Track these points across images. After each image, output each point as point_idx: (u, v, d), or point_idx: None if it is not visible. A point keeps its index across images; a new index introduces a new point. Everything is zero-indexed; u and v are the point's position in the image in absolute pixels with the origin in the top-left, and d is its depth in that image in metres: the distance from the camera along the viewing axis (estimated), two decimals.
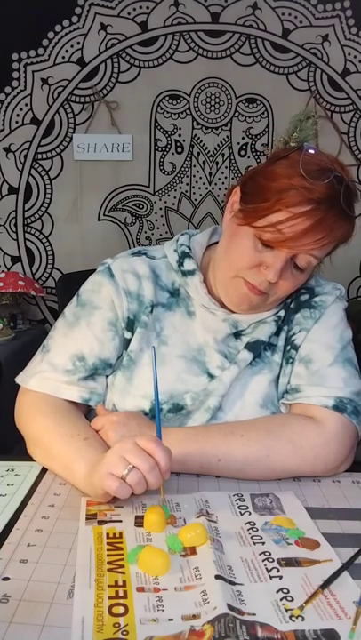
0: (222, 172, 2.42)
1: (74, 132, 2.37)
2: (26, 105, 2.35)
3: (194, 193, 2.44)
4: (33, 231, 2.47)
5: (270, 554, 0.65)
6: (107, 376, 0.96)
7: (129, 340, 0.94)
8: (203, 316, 0.96)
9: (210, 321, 0.96)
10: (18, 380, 0.94)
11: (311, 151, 0.85)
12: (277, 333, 0.97)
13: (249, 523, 0.72)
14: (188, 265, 0.97)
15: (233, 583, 0.59)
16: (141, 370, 0.93)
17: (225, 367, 0.93)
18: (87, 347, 0.92)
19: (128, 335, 0.94)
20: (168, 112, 2.37)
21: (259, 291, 0.88)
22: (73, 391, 0.91)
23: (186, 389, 0.92)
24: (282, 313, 0.97)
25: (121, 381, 0.94)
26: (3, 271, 2.44)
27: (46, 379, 0.91)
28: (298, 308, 0.97)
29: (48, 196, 2.43)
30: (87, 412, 0.95)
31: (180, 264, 0.97)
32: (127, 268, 0.96)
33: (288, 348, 0.96)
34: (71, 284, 1.01)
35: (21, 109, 2.36)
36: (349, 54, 2.31)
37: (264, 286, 0.87)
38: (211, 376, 0.93)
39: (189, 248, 0.99)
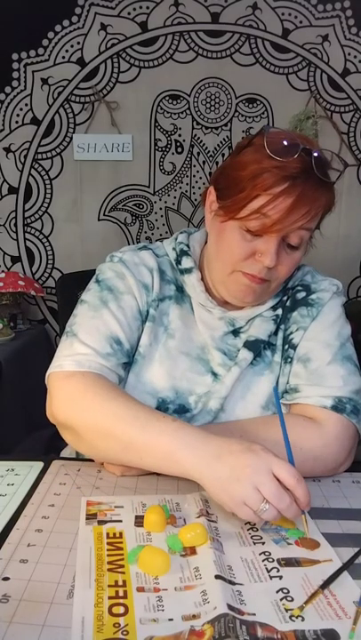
0: None
1: (74, 132, 2.37)
2: (26, 105, 2.36)
3: (194, 193, 2.44)
4: (33, 231, 2.47)
5: (270, 554, 0.65)
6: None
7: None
8: (200, 314, 0.96)
9: (207, 319, 0.96)
10: (50, 370, 0.86)
11: (272, 130, 0.85)
12: (275, 333, 0.97)
13: (249, 523, 0.72)
14: (186, 263, 0.97)
15: (233, 583, 0.59)
16: (150, 366, 0.92)
17: (227, 365, 0.92)
18: (121, 331, 0.88)
19: (142, 328, 0.93)
20: (168, 112, 2.38)
21: (260, 279, 0.87)
22: (108, 376, 0.85)
23: (190, 388, 0.91)
24: (280, 312, 0.97)
25: (131, 377, 0.92)
26: (3, 271, 2.44)
27: (84, 359, 0.84)
28: (294, 306, 0.97)
29: (48, 195, 2.44)
30: None
31: (178, 262, 0.97)
32: (139, 261, 0.96)
33: (286, 347, 0.95)
34: (71, 284, 1.01)
35: (21, 109, 2.36)
36: (349, 54, 2.31)
37: (264, 273, 0.87)
38: (215, 374, 0.93)
39: (188, 246, 0.99)
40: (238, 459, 0.67)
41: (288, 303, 0.98)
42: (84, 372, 0.83)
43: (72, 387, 0.82)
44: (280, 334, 0.97)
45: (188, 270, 0.96)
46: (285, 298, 0.98)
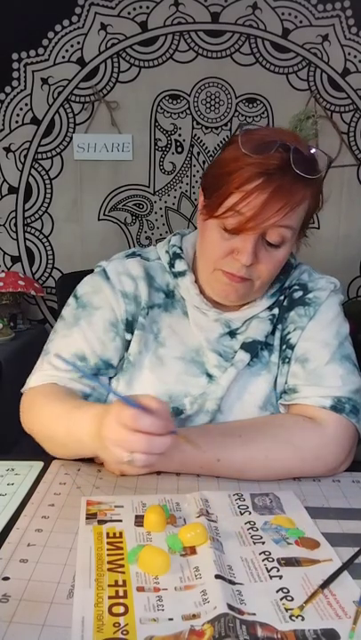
0: None
1: (74, 132, 2.37)
2: (26, 105, 2.35)
3: (194, 193, 2.44)
4: (33, 231, 2.47)
5: (270, 553, 0.65)
6: (110, 377, 0.95)
7: (129, 342, 0.94)
8: (195, 317, 0.96)
9: (202, 321, 0.95)
10: (23, 388, 0.94)
11: (252, 128, 0.85)
12: (273, 332, 0.96)
13: (249, 522, 0.72)
14: (179, 266, 0.96)
15: (233, 583, 0.59)
16: (140, 373, 0.93)
17: (223, 366, 0.92)
18: (88, 347, 0.92)
19: (128, 337, 0.94)
20: (168, 112, 2.37)
21: (239, 278, 0.87)
22: (73, 385, 0.90)
23: (185, 391, 0.91)
24: (276, 311, 0.96)
25: (122, 386, 0.93)
26: (3, 271, 2.44)
27: (47, 375, 0.91)
28: (291, 305, 0.96)
29: (48, 195, 2.44)
30: None
31: (172, 265, 0.97)
32: (122, 270, 0.96)
33: (284, 347, 0.95)
34: (71, 284, 1.00)
35: (21, 109, 2.36)
36: (349, 54, 2.31)
37: (243, 272, 0.86)
38: (210, 376, 0.93)
39: (181, 249, 0.99)
40: (101, 428, 0.69)
41: (285, 303, 0.97)
42: (43, 384, 0.90)
43: (29, 400, 0.91)
44: (277, 334, 0.96)
45: (182, 273, 0.96)
46: (282, 297, 0.98)
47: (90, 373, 0.92)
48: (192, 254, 0.99)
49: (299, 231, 0.88)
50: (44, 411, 0.85)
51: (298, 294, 0.97)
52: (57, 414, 0.82)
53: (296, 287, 0.98)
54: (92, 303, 0.95)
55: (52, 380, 0.90)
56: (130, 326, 0.94)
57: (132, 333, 0.94)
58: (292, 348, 0.93)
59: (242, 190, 0.80)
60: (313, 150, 0.84)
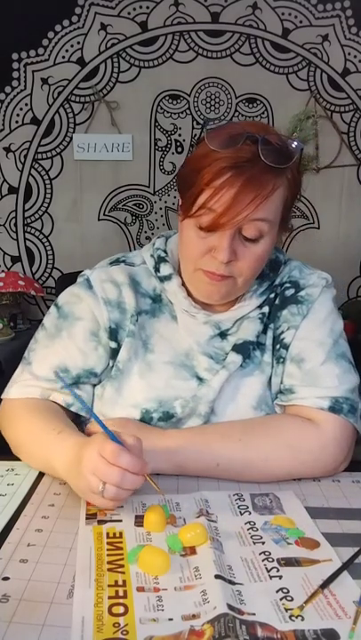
0: None
1: (74, 132, 2.37)
2: (26, 105, 2.36)
3: None
4: (33, 231, 2.47)
5: (270, 553, 0.65)
6: (94, 385, 0.95)
7: (115, 350, 0.92)
8: (184, 320, 0.94)
9: (191, 325, 0.94)
10: (2, 395, 0.93)
11: (220, 124, 0.85)
12: (264, 332, 0.95)
13: (249, 522, 0.72)
14: (165, 270, 0.95)
15: (233, 583, 0.59)
16: (130, 380, 0.92)
17: (214, 369, 0.91)
18: (70, 359, 0.91)
19: (113, 345, 0.92)
20: (168, 112, 2.38)
21: (219, 276, 0.85)
22: (55, 395, 0.90)
23: (176, 395, 0.90)
24: (266, 309, 0.95)
25: (110, 392, 0.92)
26: (3, 271, 2.44)
27: (27, 386, 0.90)
28: (284, 304, 0.95)
29: (48, 195, 2.44)
30: (74, 417, 0.92)
31: (157, 269, 0.96)
32: (106, 278, 0.95)
33: (278, 347, 0.93)
34: (71, 284, 1.00)
35: (21, 109, 2.36)
36: (349, 54, 2.31)
37: (222, 270, 0.85)
38: (200, 379, 0.91)
39: (165, 252, 0.97)
40: (82, 455, 0.70)
41: (277, 301, 0.96)
42: (18, 399, 0.90)
43: (11, 409, 0.90)
44: (269, 333, 0.95)
45: (168, 277, 0.94)
46: (273, 295, 0.96)
47: (71, 382, 0.91)
48: (177, 256, 0.97)
49: (280, 224, 0.87)
50: (25, 426, 0.86)
51: (290, 292, 0.95)
52: (36, 433, 0.83)
53: (287, 285, 0.96)
54: (73, 313, 0.94)
55: (33, 395, 0.89)
56: (114, 334, 0.93)
57: (117, 341, 0.93)
58: (286, 347, 0.92)
59: (212, 186, 0.80)
60: (294, 142, 0.83)
